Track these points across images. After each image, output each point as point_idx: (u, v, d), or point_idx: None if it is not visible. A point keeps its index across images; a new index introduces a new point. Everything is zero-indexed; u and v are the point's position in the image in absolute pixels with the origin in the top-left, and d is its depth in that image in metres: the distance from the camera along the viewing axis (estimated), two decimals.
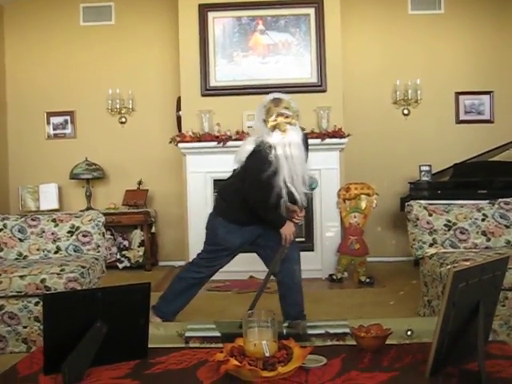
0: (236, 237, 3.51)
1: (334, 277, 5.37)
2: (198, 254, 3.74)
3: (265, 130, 3.30)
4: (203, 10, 5.78)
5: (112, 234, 6.28)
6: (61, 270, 3.37)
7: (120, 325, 1.55)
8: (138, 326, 1.60)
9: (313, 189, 3.52)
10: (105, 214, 4.28)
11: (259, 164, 3.24)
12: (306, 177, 3.30)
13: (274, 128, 3.26)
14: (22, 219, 4.00)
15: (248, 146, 3.40)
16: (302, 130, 3.51)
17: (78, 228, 3.94)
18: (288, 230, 3.41)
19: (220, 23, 5.82)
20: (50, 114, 6.60)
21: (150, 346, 1.85)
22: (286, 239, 3.42)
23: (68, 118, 6.61)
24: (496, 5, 6.45)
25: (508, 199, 3.87)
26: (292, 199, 3.32)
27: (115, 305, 1.53)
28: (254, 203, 3.36)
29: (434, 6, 6.47)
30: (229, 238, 3.52)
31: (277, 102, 3.33)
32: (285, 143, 3.22)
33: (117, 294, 1.56)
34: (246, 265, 5.59)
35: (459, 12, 6.44)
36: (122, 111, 6.50)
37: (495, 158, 5.92)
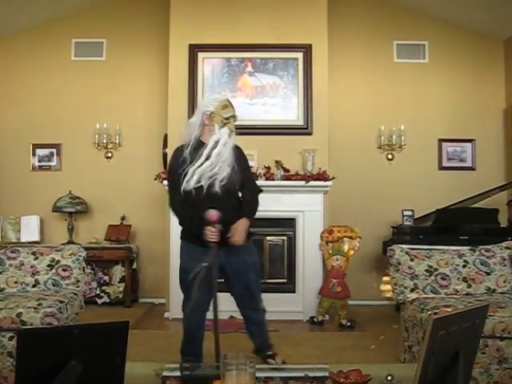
0: None
1: (315, 319, 5.33)
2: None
3: (202, 122, 3.41)
4: (193, 50, 5.87)
5: (93, 269, 6.20)
6: (38, 305, 3.31)
7: (96, 364, 1.52)
8: (114, 365, 1.57)
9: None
10: (86, 249, 4.23)
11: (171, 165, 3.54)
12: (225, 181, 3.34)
13: (223, 125, 3.37)
14: (2, 251, 3.94)
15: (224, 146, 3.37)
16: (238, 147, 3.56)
17: (58, 262, 3.88)
18: None
19: (209, 63, 5.91)
20: (36, 146, 6.60)
21: None
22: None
23: (54, 150, 6.61)
24: (478, 56, 6.65)
25: (489, 246, 3.90)
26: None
27: (92, 343, 1.50)
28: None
29: (418, 55, 6.64)
30: None
31: (232, 107, 3.45)
32: (226, 142, 3.34)
33: (94, 332, 1.53)
34: (228, 304, 5.55)
35: (443, 62, 6.62)
36: (109, 146, 6.51)
37: (477, 205, 6.00)
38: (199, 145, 3.39)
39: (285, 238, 5.75)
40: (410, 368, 2.08)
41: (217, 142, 3.33)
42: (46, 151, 6.62)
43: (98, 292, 6.15)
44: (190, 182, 3.29)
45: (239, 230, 3.37)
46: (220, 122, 3.37)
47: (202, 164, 3.30)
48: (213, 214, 3.22)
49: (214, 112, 3.37)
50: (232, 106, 3.44)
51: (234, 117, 3.43)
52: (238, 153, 3.48)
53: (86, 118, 6.52)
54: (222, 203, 3.29)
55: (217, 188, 3.30)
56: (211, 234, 3.27)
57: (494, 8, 6.04)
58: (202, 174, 3.29)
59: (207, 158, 3.30)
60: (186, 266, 3.50)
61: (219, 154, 3.31)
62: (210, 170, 3.30)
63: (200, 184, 3.30)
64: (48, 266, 3.86)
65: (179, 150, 3.46)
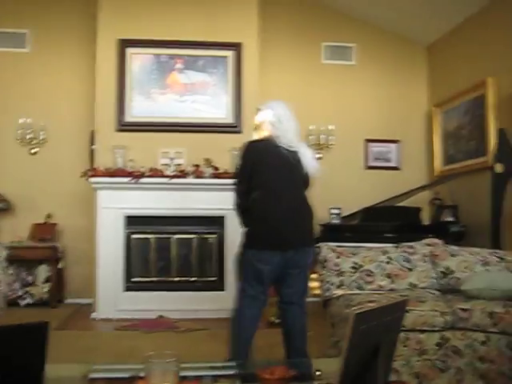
0: None
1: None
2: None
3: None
4: (122, 45, 5.77)
5: (16, 269, 5.97)
6: None
7: (13, 369, 1.46)
8: (33, 369, 1.51)
9: None
10: (9, 248, 4.07)
11: None
12: None
13: None
14: None
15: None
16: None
17: None
18: None
19: (138, 59, 5.83)
20: None
21: None
22: None
23: None
24: (402, 60, 6.89)
25: (411, 243, 4.04)
26: None
27: (8, 345, 1.44)
28: None
29: (346, 57, 6.81)
30: None
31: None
32: None
33: (10, 334, 1.47)
34: (156, 304, 5.51)
35: (370, 64, 6.80)
36: (33, 142, 6.28)
37: (401, 204, 6.19)
38: None
39: (214, 236, 5.76)
40: (336, 362, 2.12)
41: None
42: None
43: (20, 293, 5.92)
44: None
45: None
46: None
47: None
48: None
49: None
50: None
51: None
52: None
53: (8, 112, 6.26)
54: None
55: None
56: None
57: (419, 14, 6.27)
58: None
59: None
60: None
61: None
62: None
63: None
64: None
65: None
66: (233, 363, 2.99)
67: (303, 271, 3.40)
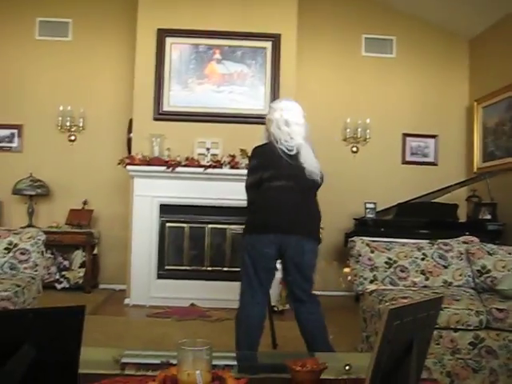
0: None
1: (276, 309, 5.35)
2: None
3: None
4: (161, 35, 5.80)
5: (53, 254, 6.10)
6: None
7: (50, 349, 1.50)
8: (69, 350, 1.54)
9: None
10: (46, 233, 4.15)
11: None
12: None
13: None
14: None
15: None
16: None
17: (16, 245, 3.80)
18: None
19: (177, 49, 5.85)
20: None
21: (83, 371, 1.79)
22: None
23: (15, 131, 6.45)
24: (444, 54, 6.75)
25: (447, 240, 3.97)
26: None
27: (46, 327, 1.47)
28: None
29: (386, 49, 6.71)
30: None
31: None
32: None
33: (48, 316, 1.50)
34: (188, 292, 5.56)
35: (410, 58, 6.69)
36: (72, 129, 6.39)
37: (437, 200, 6.11)
38: None
39: None
40: (367, 357, 2.11)
41: None
42: (6, 132, 6.46)
43: (57, 277, 6.05)
44: None
45: None
46: None
47: None
48: None
49: None
50: None
51: None
52: None
53: (49, 100, 6.38)
54: None
55: None
56: None
57: (462, 8, 6.14)
58: None
59: None
60: None
61: None
62: None
63: None
64: (5, 249, 3.78)
65: None
66: (262, 354, 3.00)
67: (303, 267, 3.37)
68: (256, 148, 3.53)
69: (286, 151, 3.35)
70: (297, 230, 3.30)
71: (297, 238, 3.29)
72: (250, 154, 3.61)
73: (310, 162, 3.41)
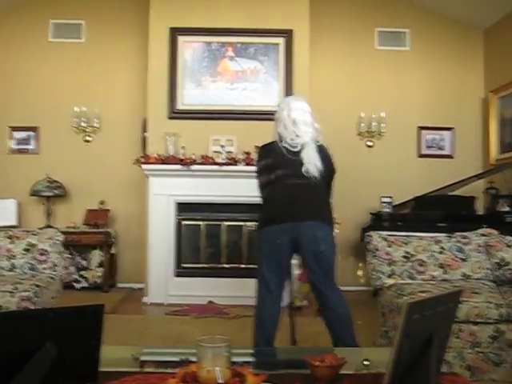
0: None
1: (294, 305, 5.35)
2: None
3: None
4: (174, 34, 5.81)
5: (71, 254, 6.15)
6: (14, 289, 3.28)
7: (71, 347, 1.51)
8: (89, 348, 1.56)
9: None
10: (64, 233, 4.20)
11: None
12: None
13: None
14: None
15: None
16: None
17: (34, 246, 3.85)
18: None
19: (190, 47, 5.86)
20: (13, 129, 6.50)
21: (103, 369, 1.81)
22: None
23: (32, 133, 6.51)
24: (458, 45, 6.68)
25: (465, 233, 3.94)
26: None
27: (67, 326, 1.48)
28: None
29: (399, 42, 6.66)
30: None
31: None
32: None
33: (69, 315, 1.52)
34: (206, 290, 5.58)
35: (424, 50, 6.64)
36: (88, 130, 6.43)
37: (454, 192, 6.06)
38: None
39: None
40: (386, 352, 2.10)
41: None
42: (23, 134, 6.53)
43: (76, 277, 6.10)
44: None
45: None
46: None
47: None
48: None
49: None
50: None
51: None
52: None
53: (64, 101, 6.43)
54: None
55: None
56: None
57: None
58: None
59: None
60: None
61: None
62: None
63: None
64: (25, 249, 3.83)
65: None
66: (280, 350, 3.00)
67: (320, 257, 3.32)
68: (262, 147, 3.62)
69: (290, 148, 3.37)
70: (308, 216, 3.26)
71: (309, 224, 3.24)
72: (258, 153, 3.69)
73: (310, 160, 3.37)
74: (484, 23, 6.60)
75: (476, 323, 3.13)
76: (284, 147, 3.38)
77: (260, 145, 3.65)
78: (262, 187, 3.48)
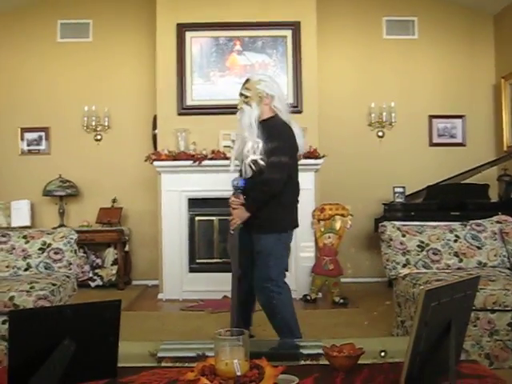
0: None
1: (308, 297, 5.36)
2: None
3: None
4: (181, 30, 5.80)
5: (85, 252, 6.19)
6: (30, 288, 3.30)
7: (89, 343, 1.52)
8: (107, 344, 1.57)
9: (236, 187, 3.43)
10: (78, 232, 4.21)
11: None
12: (252, 159, 3.28)
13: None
14: None
15: None
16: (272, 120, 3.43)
17: (49, 245, 3.87)
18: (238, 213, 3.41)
19: (197, 43, 5.85)
20: (24, 130, 6.53)
21: (121, 365, 1.82)
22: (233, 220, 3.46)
23: (43, 134, 6.55)
24: (468, 31, 6.62)
25: (479, 221, 3.92)
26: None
27: (84, 322, 1.50)
28: None
29: (407, 31, 6.61)
30: None
31: (245, 82, 3.52)
32: (239, 121, 3.42)
33: (86, 311, 1.53)
34: (220, 284, 5.57)
35: (432, 38, 6.58)
36: (98, 128, 6.45)
37: (467, 181, 6.02)
38: None
39: None
40: (403, 341, 2.09)
41: (238, 124, 3.45)
42: (34, 135, 6.56)
43: (90, 275, 6.14)
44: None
45: (235, 215, 3.43)
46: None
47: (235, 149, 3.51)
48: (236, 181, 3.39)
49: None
50: (243, 84, 3.52)
51: (240, 95, 3.48)
52: (265, 128, 3.34)
53: (74, 101, 6.45)
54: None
55: (247, 167, 3.33)
56: (232, 202, 3.43)
57: None
58: (235, 158, 3.50)
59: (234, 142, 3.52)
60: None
61: (238, 134, 3.50)
62: (237, 151, 3.44)
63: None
64: (39, 249, 3.84)
65: None
66: (298, 341, 3.00)
67: None
68: (286, 126, 3.40)
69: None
70: None
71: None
72: (277, 132, 3.34)
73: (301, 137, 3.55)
74: (494, 8, 6.52)
75: (493, 311, 3.11)
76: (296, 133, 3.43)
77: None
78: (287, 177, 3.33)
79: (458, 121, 6.61)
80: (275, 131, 3.31)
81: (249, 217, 3.35)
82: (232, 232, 3.44)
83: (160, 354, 2.35)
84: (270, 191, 3.27)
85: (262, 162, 3.24)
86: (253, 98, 3.39)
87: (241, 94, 3.46)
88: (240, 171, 3.45)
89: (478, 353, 3.11)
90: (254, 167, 3.28)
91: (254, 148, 3.25)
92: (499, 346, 3.10)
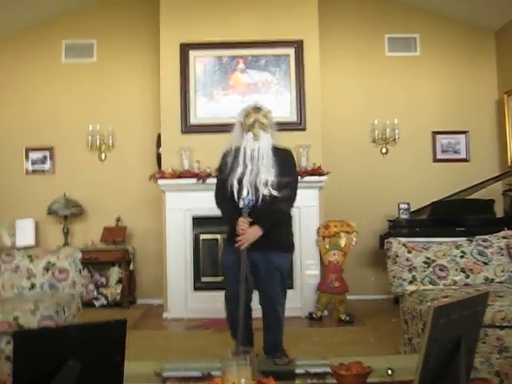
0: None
1: (314, 315, 5.32)
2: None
3: (239, 132, 3.60)
4: (184, 49, 5.84)
5: (89, 271, 6.17)
6: (35, 308, 3.29)
7: (95, 363, 1.50)
8: (113, 364, 1.55)
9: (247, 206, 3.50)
10: (82, 251, 4.21)
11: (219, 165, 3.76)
12: (269, 184, 3.45)
13: (248, 131, 3.53)
14: None
15: None
16: (286, 150, 3.71)
17: (53, 264, 3.86)
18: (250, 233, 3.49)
19: (201, 62, 5.89)
20: (29, 150, 6.56)
21: None
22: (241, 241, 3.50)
23: (47, 153, 6.57)
24: (469, 48, 6.65)
25: (485, 236, 3.89)
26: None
27: (89, 342, 1.48)
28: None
29: (410, 48, 6.64)
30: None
31: (257, 109, 3.62)
32: (254, 147, 3.49)
33: (91, 331, 1.51)
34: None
35: (435, 54, 6.61)
36: (102, 147, 6.47)
37: (472, 196, 6.00)
38: (238, 153, 3.56)
39: None
40: (410, 359, 2.07)
41: (252, 150, 3.50)
42: (39, 154, 6.58)
43: (95, 294, 6.11)
44: (242, 194, 3.48)
45: (246, 235, 3.49)
46: (246, 130, 3.56)
47: (244, 172, 3.50)
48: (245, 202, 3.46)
49: (241, 122, 3.62)
50: (256, 111, 3.60)
51: (256, 121, 3.54)
52: (280, 157, 3.56)
53: (78, 120, 6.48)
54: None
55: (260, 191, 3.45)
56: (240, 225, 3.48)
57: None
58: (248, 182, 3.50)
59: (246, 166, 3.49)
60: (225, 268, 3.83)
61: (253, 158, 3.48)
62: (250, 175, 3.48)
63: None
64: (44, 268, 3.84)
65: (226, 152, 3.71)
66: (305, 361, 2.97)
67: None
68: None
69: None
70: None
71: None
72: (294, 164, 3.81)
73: None
74: (495, 25, 6.56)
75: (502, 328, 3.07)
76: None
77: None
78: None
79: (462, 136, 6.61)
80: (292, 163, 3.70)
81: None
82: (241, 249, 3.51)
83: (165, 374, 2.33)
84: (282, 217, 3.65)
85: (275, 193, 3.46)
86: (269, 126, 3.58)
87: (256, 121, 3.54)
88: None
89: (488, 370, 3.06)
90: (267, 197, 3.46)
91: (270, 182, 3.46)
92: (509, 363, 3.06)
